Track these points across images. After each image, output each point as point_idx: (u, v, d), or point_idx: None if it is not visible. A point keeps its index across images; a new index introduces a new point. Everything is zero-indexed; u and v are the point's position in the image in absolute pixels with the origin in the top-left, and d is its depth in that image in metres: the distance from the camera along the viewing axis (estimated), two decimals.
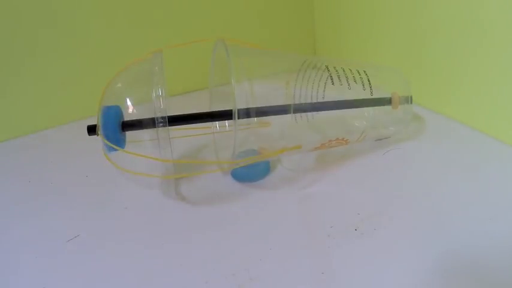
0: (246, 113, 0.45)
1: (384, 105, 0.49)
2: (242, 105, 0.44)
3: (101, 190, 0.49)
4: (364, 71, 0.48)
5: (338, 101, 0.48)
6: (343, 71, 0.47)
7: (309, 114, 0.48)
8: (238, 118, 0.41)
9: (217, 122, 0.54)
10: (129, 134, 0.47)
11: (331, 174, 0.48)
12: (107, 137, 0.44)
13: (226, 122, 0.53)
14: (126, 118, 0.46)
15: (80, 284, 0.37)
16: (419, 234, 0.38)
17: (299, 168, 0.50)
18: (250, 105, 0.46)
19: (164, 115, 0.41)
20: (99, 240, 0.41)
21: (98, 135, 0.45)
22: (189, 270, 0.37)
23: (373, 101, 0.49)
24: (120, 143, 0.45)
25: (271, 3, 0.76)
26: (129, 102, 0.45)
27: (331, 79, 0.47)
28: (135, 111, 0.45)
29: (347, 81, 0.47)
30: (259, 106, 0.46)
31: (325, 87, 0.46)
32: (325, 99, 0.46)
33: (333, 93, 0.47)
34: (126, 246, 0.41)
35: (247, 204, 0.45)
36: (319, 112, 0.48)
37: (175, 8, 0.69)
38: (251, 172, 0.48)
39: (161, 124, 0.41)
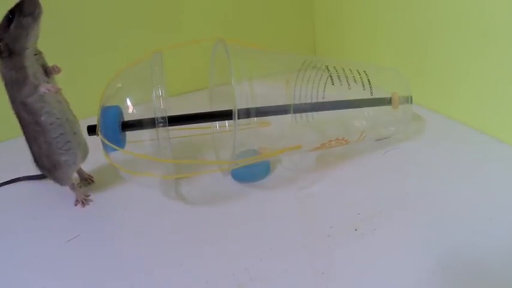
0: (246, 113, 0.45)
1: (384, 105, 0.49)
2: (242, 105, 0.44)
3: (101, 190, 0.49)
4: (364, 71, 0.48)
5: (338, 101, 0.48)
6: (343, 71, 0.47)
7: (309, 114, 0.48)
8: (238, 118, 0.41)
9: (217, 122, 0.54)
10: (129, 134, 0.47)
11: (331, 174, 0.48)
12: (107, 137, 0.44)
13: (226, 122, 0.54)
14: (126, 118, 0.46)
15: (80, 284, 0.37)
16: (419, 234, 0.38)
17: (299, 168, 0.50)
18: (250, 105, 0.46)
19: (164, 115, 0.41)
20: (99, 240, 0.41)
21: (98, 135, 0.45)
22: (189, 270, 0.37)
23: (373, 101, 0.49)
24: (120, 143, 0.45)
25: (271, 3, 0.76)
26: (129, 102, 0.45)
27: (331, 79, 0.47)
28: (135, 111, 0.45)
29: (347, 81, 0.47)
30: (259, 106, 0.46)
31: (325, 87, 0.46)
32: (325, 99, 0.47)
33: (333, 93, 0.47)
34: (125, 246, 0.41)
35: (247, 204, 0.45)
36: (319, 112, 0.48)
37: (175, 8, 0.69)
38: (251, 172, 0.48)
39: (161, 124, 0.41)
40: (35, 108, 0.41)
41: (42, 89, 0.41)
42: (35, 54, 0.42)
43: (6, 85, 0.41)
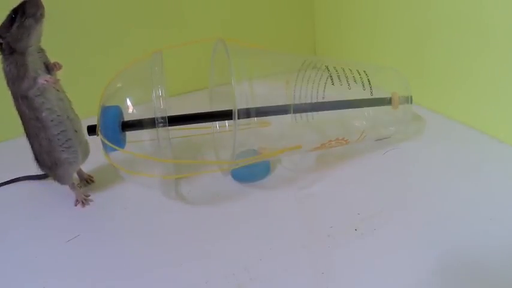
0: (246, 113, 0.45)
1: (384, 105, 0.49)
2: (242, 105, 0.44)
3: (101, 190, 0.49)
4: (364, 71, 0.48)
5: (338, 101, 0.48)
6: (343, 71, 0.47)
7: (309, 114, 0.48)
8: (238, 118, 0.41)
9: (217, 122, 0.54)
10: (129, 134, 0.47)
11: (331, 174, 0.48)
12: (107, 137, 0.44)
13: (226, 122, 0.54)
14: (126, 118, 0.46)
15: (80, 284, 0.37)
16: (419, 234, 0.38)
17: (299, 168, 0.50)
18: (250, 105, 0.46)
19: (164, 115, 0.41)
20: (99, 240, 0.41)
21: (98, 135, 0.45)
22: (189, 270, 0.37)
23: (373, 101, 0.49)
24: (120, 143, 0.45)
25: (271, 3, 0.76)
26: (129, 102, 0.45)
27: (331, 79, 0.47)
28: (135, 111, 0.45)
29: (347, 81, 0.47)
30: (259, 106, 0.46)
31: (325, 87, 0.46)
32: (325, 99, 0.47)
33: (333, 93, 0.47)
34: (125, 246, 0.41)
35: (247, 204, 0.45)
36: (319, 112, 0.48)
37: (175, 8, 0.69)
38: (251, 172, 0.48)
39: (161, 124, 0.41)
40: (36, 103, 0.42)
41: (41, 80, 0.41)
42: (38, 52, 0.42)
43: (8, 81, 0.41)
